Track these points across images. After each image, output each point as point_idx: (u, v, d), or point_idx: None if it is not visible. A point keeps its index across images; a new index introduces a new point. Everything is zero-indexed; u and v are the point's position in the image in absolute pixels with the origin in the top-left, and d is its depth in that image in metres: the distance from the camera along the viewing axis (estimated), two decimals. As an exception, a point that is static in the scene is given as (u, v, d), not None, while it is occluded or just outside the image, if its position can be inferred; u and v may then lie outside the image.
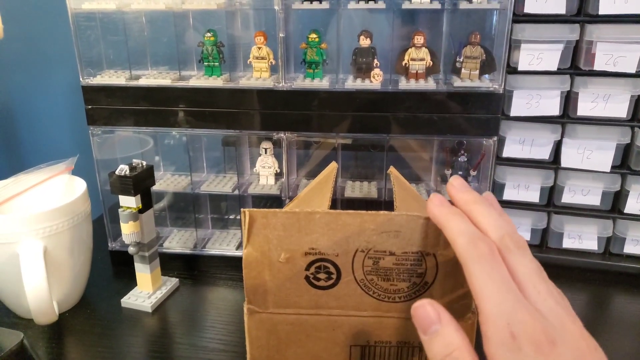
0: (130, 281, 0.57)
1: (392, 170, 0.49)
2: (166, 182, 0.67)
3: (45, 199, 0.56)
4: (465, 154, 0.61)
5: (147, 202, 0.54)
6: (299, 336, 0.35)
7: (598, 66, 0.55)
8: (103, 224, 0.65)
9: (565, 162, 0.59)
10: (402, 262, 0.31)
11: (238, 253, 0.63)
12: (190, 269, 0.63)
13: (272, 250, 0.32)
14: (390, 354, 0.35)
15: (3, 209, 0.54)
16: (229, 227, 0.69)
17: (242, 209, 0.32)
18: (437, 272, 0.31)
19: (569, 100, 0.57)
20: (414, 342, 0.34)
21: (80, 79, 0.58)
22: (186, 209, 0.69)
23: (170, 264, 0.62)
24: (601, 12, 0.53)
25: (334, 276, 0.33)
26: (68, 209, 0.50)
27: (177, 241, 0.66)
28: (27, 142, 0.89)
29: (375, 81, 0.56)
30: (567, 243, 0.63)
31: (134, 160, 0.53)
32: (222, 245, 0.65)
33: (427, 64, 0.56)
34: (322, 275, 0.33)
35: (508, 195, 0.62)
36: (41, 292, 0.46)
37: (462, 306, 0.32)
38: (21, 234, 0.48)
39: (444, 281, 0.32)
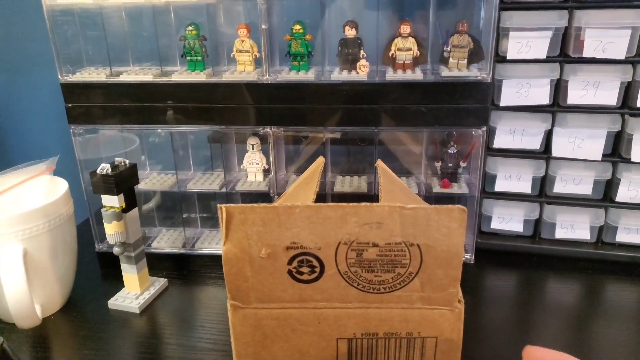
0: (118, 283, 0.56)
1: (380, 163, 0.49)
2: (152, 181, 0.66)
3: (25, 200, 0.55)
4: (455, 146, 0.60)
5: (131, 201, 0.53)
6: (284, 331, 0.34)
7: (587, 53, 0.54)
8: (90, 225, 0.64)
9: (556, 151, 0.59)
10: (385, 253, 0.31)
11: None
12: (180, 269, 0.62)
13: (252, 246, 0.31)
14: (377, 345, 0.34)
15: (-18, 211, 0.53)
16: (218, 226, 0.68)
17: (218, 205, 0.31)
18: (421, 262, 0.31)
19: (558, 88, 0.57)
20: (400, 333, 0.33)
21: (59, 76, 0.57)
22: (174, 208, 0.68)
23: (159, 264, 0.61)
24: (589, -3, 0.52)
25: (317, 269, 0.32)
26: (48, 210, 0.49)
27: (166, 241, 0.65)
28: (9, 143, 0.87)
29: (361, 72, 0.55)
30: (560, 233, 0.62)
31: (117, 159, 0.52)
32: (212, 244, 0.64)
33: (414, 54, 0.56)
34: (305, 269, 0.32)
35: (500, 186, 0.62)
36: (22, 296, 0.45)
37: (448, 295, 0.32)
38: (0, 237, 0.46)
39: (428, 271, 0.31)
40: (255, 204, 0.30)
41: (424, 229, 0.29)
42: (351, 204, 0.30)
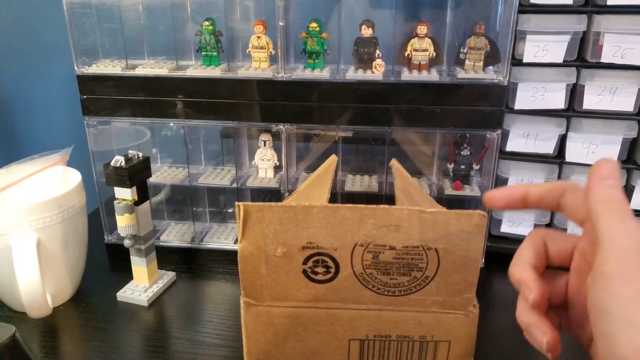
0: (126, 275, 0.56)
1: (394, 162, 0.48)
2: (163, 174, 0.66)
3: (39, 190, 0.55)
4: (468, 148, 0.60)
5: (143, 194, 0.53)
6: (296, 330, 0.34)
7: (605, 58, 0.54)
8: (99, 216, 0.64)
9: (570, 156, 0.58)
10: (402, 257, 0.30)
11: (236, 247, 0.61)
12: (188, 263, 0.62)
13: (268, 245, 0.31)
14: (390, 348, 0.34)
15: (-4, 200, 0.53)
16: (227, 221, 0.69)
17: (236, 203, 0.31)
18: (438, 266, 0.30)
19: (574, 93, 0.56)
20: (414, 336, 0.33)
21: (75, 68, 0.57)
22: (184, 202, 0.68)
23: (167, 257, 0.62)
24: (609, 2, 0.52)
25: (333, 270, 0.32)
26: (62, 200, 0.50)
27: (175, 234, 0.65)
28: (23, 133, 0.88)
29: (377, 72, 0.55)
30: (571, 239, 0.62)
31: (130, 152, 0.52)
32: (220, 238, 0.64)
33: (430, 55, 0.55)
34: (320, 269, 0.32)
35: (511, 190, 0.61)
36: (34, 285, 0.45)
37: (464, 299, 0.31)
38: (14, 226, 0.47)
39: (445, 275, 0.31)
40: (272, 203, 0.30)
41: (443, 233, 0.29)
42: (369, 206, 0.30)
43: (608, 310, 0.22)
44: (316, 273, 0.32)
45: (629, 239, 0.23)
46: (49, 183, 0.55)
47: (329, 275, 0.32)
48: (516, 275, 0.27)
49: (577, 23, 0.53)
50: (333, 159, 0.50)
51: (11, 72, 0.84)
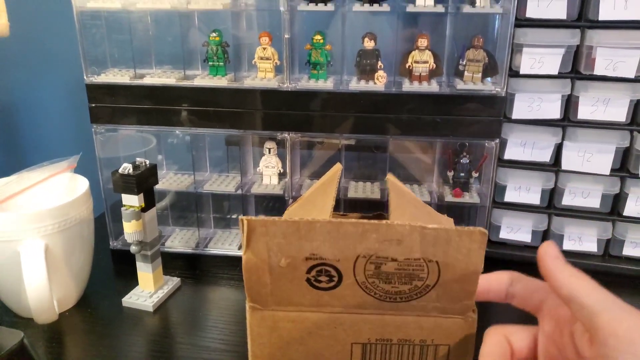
0: (131, 280, 0.57)
1: (390, 177, 0.49)
2: (169, 181, 0.67)
3: (47, 197, 0.56)
4: (468, 156, 0.61)
5: (150, 201, 0.54)
6: (300, 333, 0.35)
7: (598, 71, 0.55)
8: (104, 222, 0.65)
9: (565, 164, 0.60)
10: (404, 268, 0.32)
11: (240, 253, 0.63)
12: (192, 269, 0.63)
13: (272, 257, 0.32)
14: (391, 351, 0.35)
15: (5, 206, 0.54)
16: (232, 227, 0.70)
17: (240, 217, 0.32)
18: (439, 277, 0.32)
19: (569, 103, 0.58)
20: (414, 339, 0.34)
21: (85, 77, 0.58)
22: (189, 208, 0.69)
23: (172, 263, 0.62)
24: (601, 17, 0.53)
25: (335, 279, 0.33)
26: (70, 207, 0.50)
27: (179, 240, 0.66)
28: (30, 140, 0.89)
29: (379, 83, 0.56)
30: (567, 245, 0.63)
31: (137, 159, 0.53)
32: (225, 244, 0.65)
33: (431, 67, 0.57)
34: (323, 278, 0.33)
35: (509, 197, 0.63)
36: (42, 291, 0.46)
37: (463, 306, 0.33)
38: (22, 232, 0.47)
39: (446, 284, 0.32)
40: (276, 218, 0.31)
41: (444, 248, 0.30)
42: (372, 222, 0.31)
43: None
44: (320, 281, 0.33)
45: (614, 300, 0.25)
46: (57, 190, 0.56)
47: (332, 284, 0.33)
48: None
49: (571, 37, 0.55)
50: (338, 167, 0.51)
51: (20, 81, 0.85)
